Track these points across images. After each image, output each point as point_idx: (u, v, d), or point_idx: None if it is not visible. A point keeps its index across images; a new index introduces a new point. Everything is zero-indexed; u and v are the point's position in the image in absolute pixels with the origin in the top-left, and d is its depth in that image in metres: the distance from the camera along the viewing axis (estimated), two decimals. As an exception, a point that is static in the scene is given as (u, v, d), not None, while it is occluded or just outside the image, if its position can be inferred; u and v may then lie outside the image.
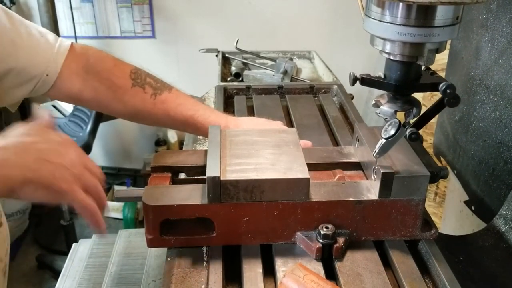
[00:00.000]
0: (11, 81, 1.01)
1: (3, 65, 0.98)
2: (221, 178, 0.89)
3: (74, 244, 2.05)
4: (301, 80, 2.02)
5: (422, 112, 0.91)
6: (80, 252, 2.00)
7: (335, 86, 1.76)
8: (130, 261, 1.89)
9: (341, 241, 0.93)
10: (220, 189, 0.89)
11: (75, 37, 3.31)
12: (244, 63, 2.20)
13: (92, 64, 1.11)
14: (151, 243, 0.94)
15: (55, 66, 1.05)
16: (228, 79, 2.04)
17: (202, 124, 1.18)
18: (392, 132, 0.87)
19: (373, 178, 0.96)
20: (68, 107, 3.12)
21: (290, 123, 1.52)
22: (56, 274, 3.00)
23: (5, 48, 0.98)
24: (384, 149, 0.90)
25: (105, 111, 1.19)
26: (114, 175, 3.95)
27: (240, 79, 2.05)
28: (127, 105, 1.16)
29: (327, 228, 0.92)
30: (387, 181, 0.91)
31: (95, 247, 2.02)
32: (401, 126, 0.86)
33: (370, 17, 0.84)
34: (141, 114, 1.18)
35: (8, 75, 1.00)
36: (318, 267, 0.91)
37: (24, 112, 3.55)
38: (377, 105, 0.92)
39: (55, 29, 3.11)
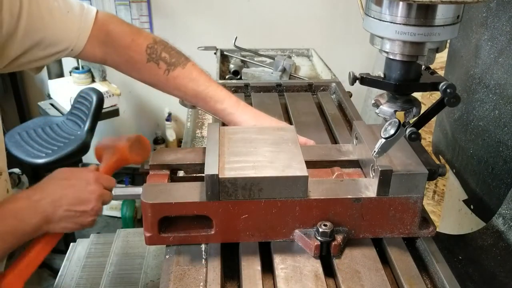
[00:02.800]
0: (37, 53, 1.08)
1: (35, 37, 1.06)
2: (220, 176, 0.89)
3: (72, 244, 2.05)
4: (300, 78, 2.02)
5: (421, 111, 0.90)
6: (78, 252, 1.99)
7: (333, 84, 1.76)
8: (128, 261, 1.89)
9: (339, 238, 0.93)
10: (218, 186, 0.89)
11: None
12: (242, 61, 2.20)
13: (111, 39, 1.17)
14: (149, 241, 0.94)
15: (79, 42, 1.13)
16: (227, 76, 2.04)
17: (211, 98, 1.23)
18: (392, 132, 0.87)
19: (371, 175, 0.96)
20: (66, 106, 3.12)
21: (288, 121, 1.51)
22: (54, 272, 2.99)
23: (42, 18, 1.05)
24: (383, 149, 0.90)
25: (129, 75, 1.27)
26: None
27: (238, 76, 2.05)
28: (143, 77, 1.25)
29: (325, 225, 0.92)
30: (385, 178, 0.91)
31: (93, 247, 2.02)
32: (400, 126, 0.86)
33: (370, 16, 0.84)
34: (156, 86, 1.26)
35: (36, 48, 1.07)
36: (316, 265, 0.91)
37: (21, 110, 3.56)
38: (376, 104, 0.92)
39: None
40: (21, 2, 1.01)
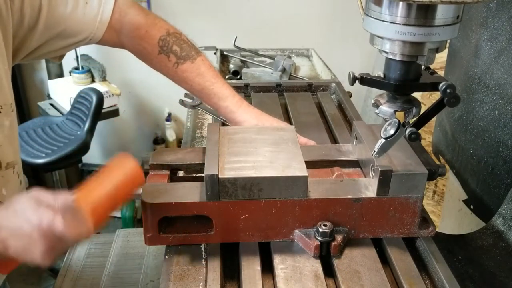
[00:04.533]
0: (56, 44, 1.13)
1: (55, 29, 1.09)
2: (220, 176, 0.89)
3: (72, 243, 2.05)
4: (300, 78, 2.02)
5: (421, 111, 0.90)
6: (78, 252, 2.00)
7: (333, 84, 1.76)
8: (128, 261, 1.89)
9: (339, 238, 0.93)
10: (218, 186, 0.89)
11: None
12: (242, 61, 2.19)
13: (126, 30, 1.21)
14: (149, 241, 0.94)
15: (98, 32, 1.16)
16: (227, 77, 2.04)
17: (215, 95, 1.25)
18: (392, 132, 0.87)
19: (371, 175, 0.96)
20: (66, 106, 3.12)
21: (288, 121, 1.51)
22: (54, 272, 2.99)
23: (62, 11, 1.09)
24: (383, 149, 0.90)
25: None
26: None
27: (238, 77, 2.05)
28: (154, 67, 1.28)
29: (325, 225, 0.92)
30: (385, 178, 0.91)
31: (93, 247, 2.02)
32: (400, 126, 0.86)
33: (369, 16, 0.84)
34: (166, 76, 1.29)
35: (55, 39, 1.11)
36: (316, 265, 0.91)
37: (21, 110, 3.55)
38: (376, 104, 0.92)
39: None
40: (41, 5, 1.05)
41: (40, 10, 1.05)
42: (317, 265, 0.91)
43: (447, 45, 1.45)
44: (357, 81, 0.89)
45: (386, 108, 0.90)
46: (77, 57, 3.21)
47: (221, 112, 1.28)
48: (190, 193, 0.93)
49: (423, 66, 0.88)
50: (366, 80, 0.88)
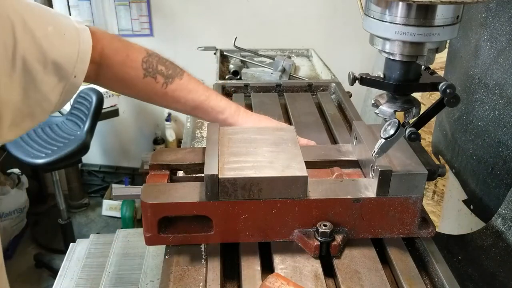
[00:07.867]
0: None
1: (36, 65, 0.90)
2: (219, 176, 0.89)
3: (71, 244, 2.05)
4: (299, 78, 2.02)
5: (421, 111, 0.90)
6: (78, 252, 2.00)
7: (333, 84, 1.76)
8: (128, 261, 1.89)
9: (339, 238, 0.93)
10: (218, 186, 0.89)
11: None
12: (242, 61, 2.20)
13: (105, 58, 1.08)
14: (149, 241, 0.94)
15: (82, 67, 1.00)
16: (226, 77, 2.04)
17: (212, 109, 1.21)
18: (392, 132, 0.87)
19: (371, 176, 0.96)
20: (66, 106, 3.12)
21: (288, 121, 1.51)
22: (54, 273, 2.99)
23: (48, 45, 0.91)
24: (383, 149, 0.90)
25: (120, 93, 1.20)
26: (112, 174, 3.94)
27: (238, 77, 2.05)
28: (139, 93, 1.18)
29: (325, 225, 0.92)
30: (385, 178, 0.91)
31: (93, 247, 2.02)
32: (400, 126, 0.86)
33: (369, 16, 0.84)
34: (153, 100, 1.21)
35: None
36: (316, 265, 0.91)
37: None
38: (376, 105, 0.92)
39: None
40: (15, 38, 0.85)
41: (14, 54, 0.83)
42: (317, 265, 0.91)
43: (447, 45, 1.45)
44: (357, 81, 0.89)
45: (386, 108, 0.90)
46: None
47: (220, 124, 1.24)
48: (190, 193, 0.93)
49: (423, 66, 0.88)
50: (366, 80, 0.88)
